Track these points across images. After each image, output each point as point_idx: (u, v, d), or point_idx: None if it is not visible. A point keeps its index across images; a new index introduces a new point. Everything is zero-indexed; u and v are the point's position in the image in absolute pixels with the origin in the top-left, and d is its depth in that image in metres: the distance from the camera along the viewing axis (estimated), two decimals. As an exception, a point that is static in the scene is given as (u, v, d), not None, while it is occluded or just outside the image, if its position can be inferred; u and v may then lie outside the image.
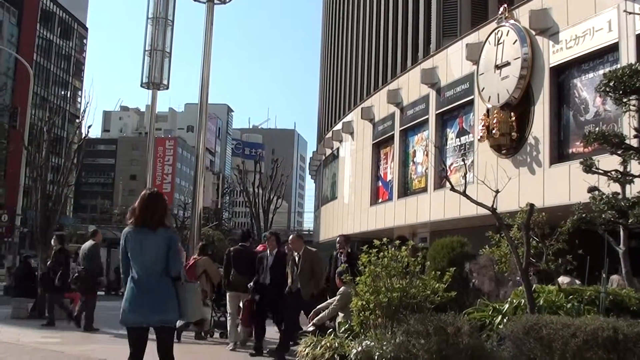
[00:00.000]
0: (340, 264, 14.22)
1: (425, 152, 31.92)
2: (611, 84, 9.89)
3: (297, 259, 13.32)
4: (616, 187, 10.16)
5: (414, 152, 33.56)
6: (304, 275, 13.14)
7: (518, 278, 11.66)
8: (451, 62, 29.18)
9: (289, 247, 14.24)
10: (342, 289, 12.59)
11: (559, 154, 22.67)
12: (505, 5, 25.16)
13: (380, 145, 38.00)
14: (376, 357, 8.78)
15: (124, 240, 7.53)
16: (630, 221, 9.70)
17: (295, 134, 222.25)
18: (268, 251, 14.15)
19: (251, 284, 14.32)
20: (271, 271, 13.85)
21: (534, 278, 11.98)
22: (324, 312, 12.92)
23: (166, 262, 7.41)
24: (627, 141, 10.09)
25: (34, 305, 20.41)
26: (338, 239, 15.86)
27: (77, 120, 60.10)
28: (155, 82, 30.44)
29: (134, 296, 7.35)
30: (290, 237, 14.10)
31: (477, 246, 13.92)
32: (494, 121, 24.30)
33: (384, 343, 8.89)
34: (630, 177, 10.20)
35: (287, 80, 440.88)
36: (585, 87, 21.90)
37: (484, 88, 25.63)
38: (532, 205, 9.85)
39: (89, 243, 18.04)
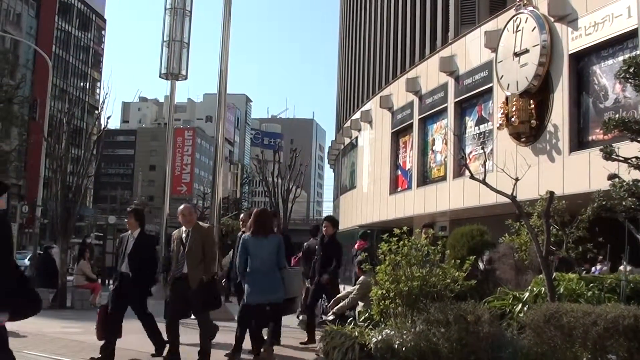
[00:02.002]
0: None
1: (444, 141, 31.87)
2: (631, 70, 9.84)
3: (184, 236, 11.05)
4: (637, 174, 10.10)
5: (433, 140, 33.50)
6: (192, 257, 10.85)
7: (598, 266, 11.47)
8: (470, 50, 29.08)
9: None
10: (361, 278, 12.61)
11: (579, 142, 22.58)
12: (524, -8, 25.03)
13: (399, 134, 37.97)
14: (396, 346, 8.78)
15: (243, 243, 11.06)
16: (651, 209, 9.64)
17: (313, 124, 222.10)
18: (130, 232, 11.70)
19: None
20: (130, 257, 11.33)
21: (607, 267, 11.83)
22: (343, 302, 12.95)
23: (276, 257, 10.91)
24: (647, 128, 10.02)
25: (55, 295, 20.55)
26: (242, 215, 14.06)
27: (96, 112, 60.13)
28: (173, 72, 30.45)
29: (255, 283, 10.82)
30: (182, 207, 11.30)
31: (497, 234, 13.88)
32: (513, 109, 24.22)
33: (404, 332, 8.89)
34: (651, 164, 10.13)
35: (306, 69, 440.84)
36: (604, 73, 21.79)
37: (502, 76, 25.53)
38: (552, 193, 9.80)
39: None
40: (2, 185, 5.05)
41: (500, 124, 25.10)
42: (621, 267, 16.33)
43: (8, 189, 5.08)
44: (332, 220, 14.94)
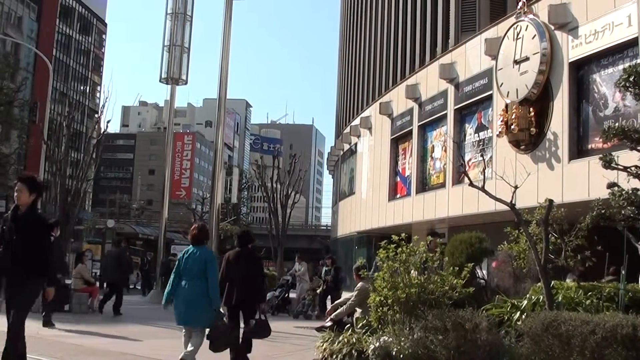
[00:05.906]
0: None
1: (444, 148, 31.86)
2: (631, 79, 9.85)
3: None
4: (636, 183, 10.09)
5: (432, 147, 33.49)
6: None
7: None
8: (470, 57, 29.09)
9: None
10: (359, 284, 12.59)
11: (578, 150, 22.58)
12: (524, 0, 25.03)
13: (398, 140, 37.96)
14: (394, 353, 8.77)
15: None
16: (650, 217, 9.63)
17: (313, 129, 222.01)
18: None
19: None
20: None
21: None
22: (341, 308, 12.93)
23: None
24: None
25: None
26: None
27: (96, 115, 60.31)
28: (174, 77, 30.51)
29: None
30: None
31: (496, 242, 13.87)
32: (513, 116, 24.21)
33: (402, 339, 8.88)
34: (651, 173, 10.12)
35: (306, 75, 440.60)
36: (604, 82, 21.79)
37: (502, 83, 25.53)
38: (551, 201, 9.80)
39: None
40: None
41: (499, 132, 25.09)
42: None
43: None
44: (28, 182, 8.78)
